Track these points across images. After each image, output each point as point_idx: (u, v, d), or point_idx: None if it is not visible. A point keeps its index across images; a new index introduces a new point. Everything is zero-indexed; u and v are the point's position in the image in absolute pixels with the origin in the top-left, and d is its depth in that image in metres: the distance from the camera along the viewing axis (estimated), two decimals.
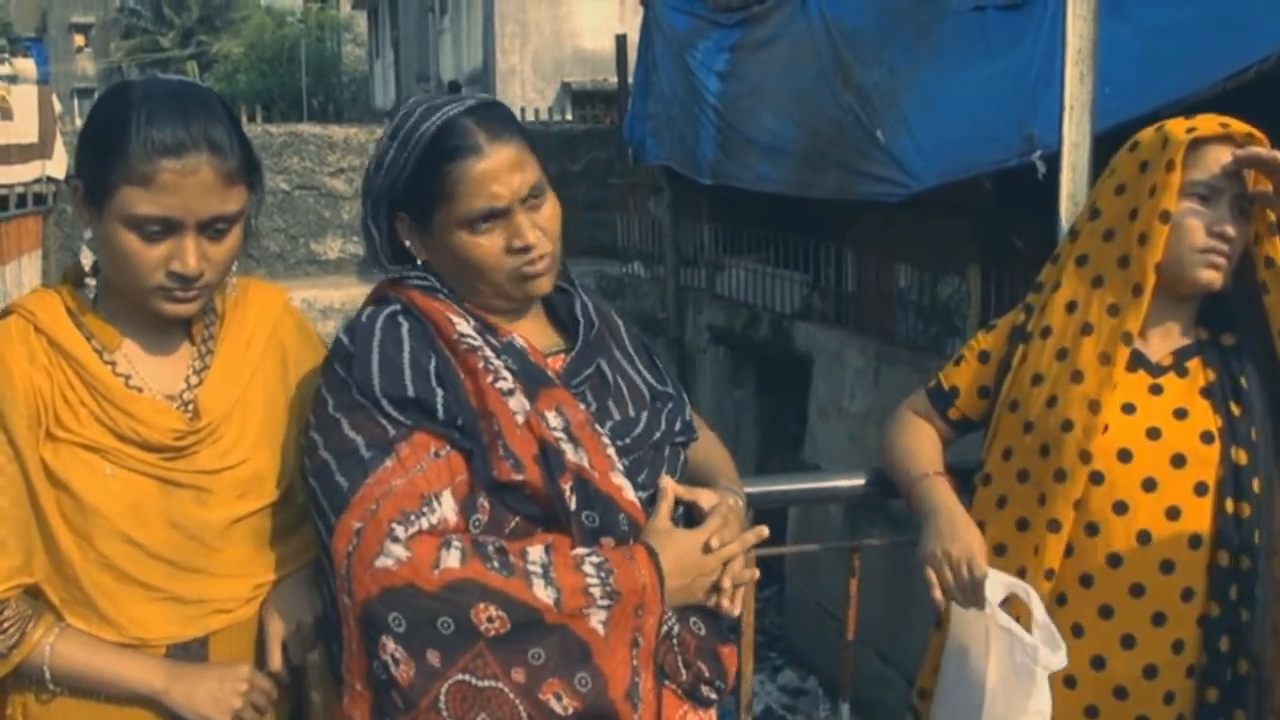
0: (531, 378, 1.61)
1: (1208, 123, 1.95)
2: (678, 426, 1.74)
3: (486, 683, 1.49)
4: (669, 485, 1.68)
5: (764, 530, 1.71)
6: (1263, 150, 1.91)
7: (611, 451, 1.61)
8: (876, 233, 8.89)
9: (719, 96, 10.36)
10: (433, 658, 1.49)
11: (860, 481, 2.29)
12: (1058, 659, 1.83)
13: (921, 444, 2.18)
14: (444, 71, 25.61)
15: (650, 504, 1.65)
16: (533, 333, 1.70)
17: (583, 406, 1.64)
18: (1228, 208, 1.94)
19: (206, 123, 1.55)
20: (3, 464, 1.56)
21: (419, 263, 1.67)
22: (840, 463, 8.16)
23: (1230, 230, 1.94)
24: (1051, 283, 2.09)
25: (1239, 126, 1.95)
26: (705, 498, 1.70)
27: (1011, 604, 1.93)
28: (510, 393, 1.58)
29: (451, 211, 1.60)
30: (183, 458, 1.62)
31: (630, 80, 12.76)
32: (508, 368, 1.60)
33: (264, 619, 1.69)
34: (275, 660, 1.68)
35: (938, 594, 1.96)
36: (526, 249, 1.62)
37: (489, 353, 1.60)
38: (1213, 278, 1.96)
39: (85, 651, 1.60)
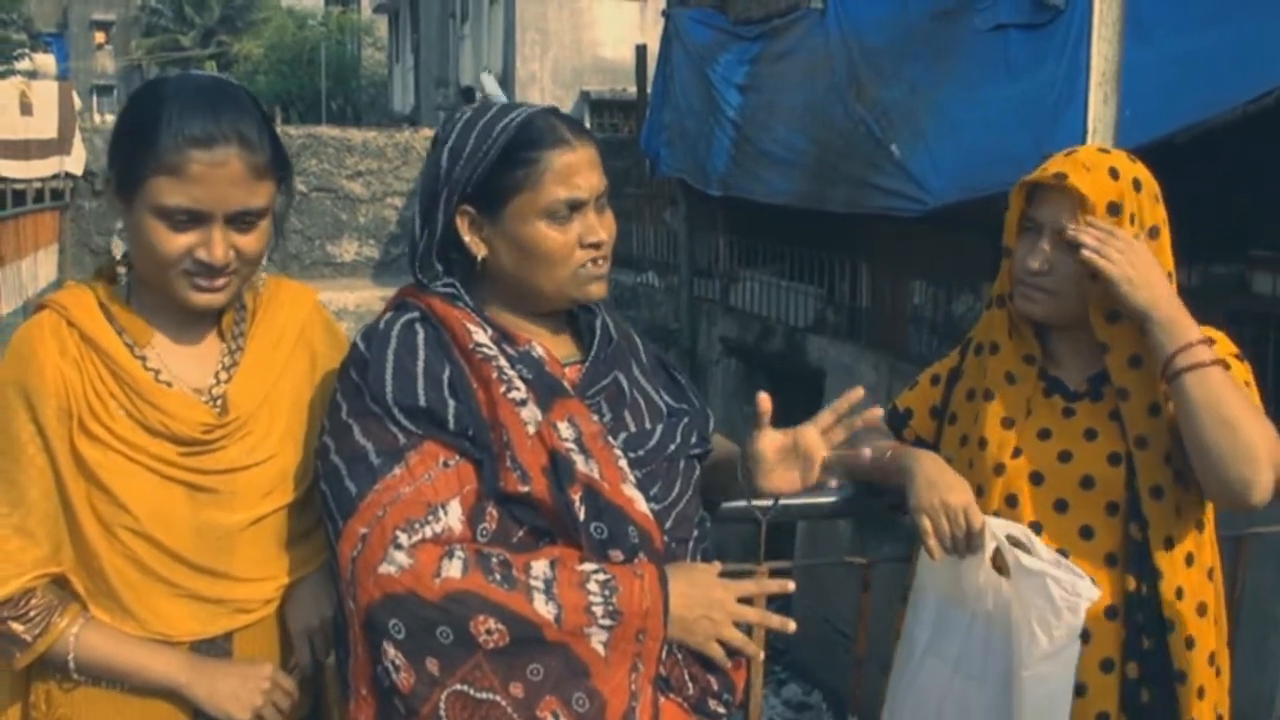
0: (547, 387, 1.61)
1: (1046, 163, 2.00)
2: (694, 439, 1.74)
3: (484, 695, 1.49)
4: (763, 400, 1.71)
5: (790, 585, 1.70)
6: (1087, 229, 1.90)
7: (624, 463, 1.61)
8: (892, 248, 8.89)
9: (738, 110, 10.38)
10: (432, 666, 1.49)
11: (868, 496, 2.28)
12: (1094, 589, 1.84)
13: (886, 438, 2.20)
14: (463, 77, 25.65)
15: (662, 517, 1.64)
16: (553, 342, 1.70)
17: (596, 418, 1.63)
18: (1047, 240, 1.95)
19: (236, 117, 1.58)
20: (32, 455, 1.58)
21: (479, 259, 1.66)
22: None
23: (1034, 264, 1.94)
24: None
25: (1043, 173, 1.95)
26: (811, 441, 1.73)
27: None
28: (523, 403, 1.58)
29: (533, 200, 1.61)
30: (209, 453, 1.63)
31: (649, 90, 12.78)
32: (522, 377, 1.60)
33: (288, 615, 1.70)
34: (304, 654, 1.69)
35: (933, 544, 1.93)
36: (599, 244, 1.65)
37: (504, 363, 1.61)
38: (1028, 309, 1.98)
39: (109, 642, 1.60)
